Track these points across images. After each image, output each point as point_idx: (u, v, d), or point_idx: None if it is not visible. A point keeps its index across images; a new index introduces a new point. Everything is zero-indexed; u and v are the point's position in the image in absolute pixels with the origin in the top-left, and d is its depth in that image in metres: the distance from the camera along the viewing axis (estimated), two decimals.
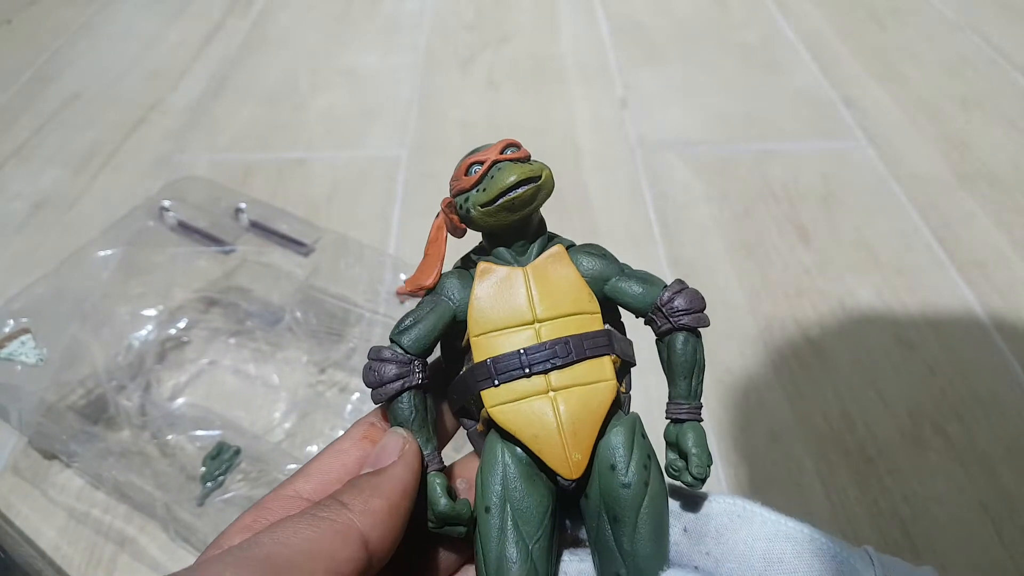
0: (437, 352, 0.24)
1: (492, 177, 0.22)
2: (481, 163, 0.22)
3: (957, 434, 0.44)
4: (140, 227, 0.52)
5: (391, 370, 0.22)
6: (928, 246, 0.57)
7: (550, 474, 0.22)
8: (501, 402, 0.22)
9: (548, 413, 0.22)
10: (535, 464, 0.22)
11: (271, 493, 0.21)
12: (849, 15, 0.87)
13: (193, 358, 0.49)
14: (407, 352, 0.22)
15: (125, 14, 0.90)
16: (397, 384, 0.22)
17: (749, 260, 0.56)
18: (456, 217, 0.23)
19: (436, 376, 0.24)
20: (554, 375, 0.22)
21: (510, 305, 0.23)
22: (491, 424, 0.22)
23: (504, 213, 0.22)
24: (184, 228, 0.53)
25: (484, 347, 0.22)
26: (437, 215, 0.24)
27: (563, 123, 0.70)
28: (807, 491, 0.42)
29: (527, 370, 0.22)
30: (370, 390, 0.22)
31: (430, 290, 0.23)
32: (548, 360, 0.22)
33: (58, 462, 0.44)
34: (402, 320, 0.23)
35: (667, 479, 0.23)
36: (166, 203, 0.53)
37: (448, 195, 0.24)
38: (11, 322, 0.45)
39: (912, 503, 0.41)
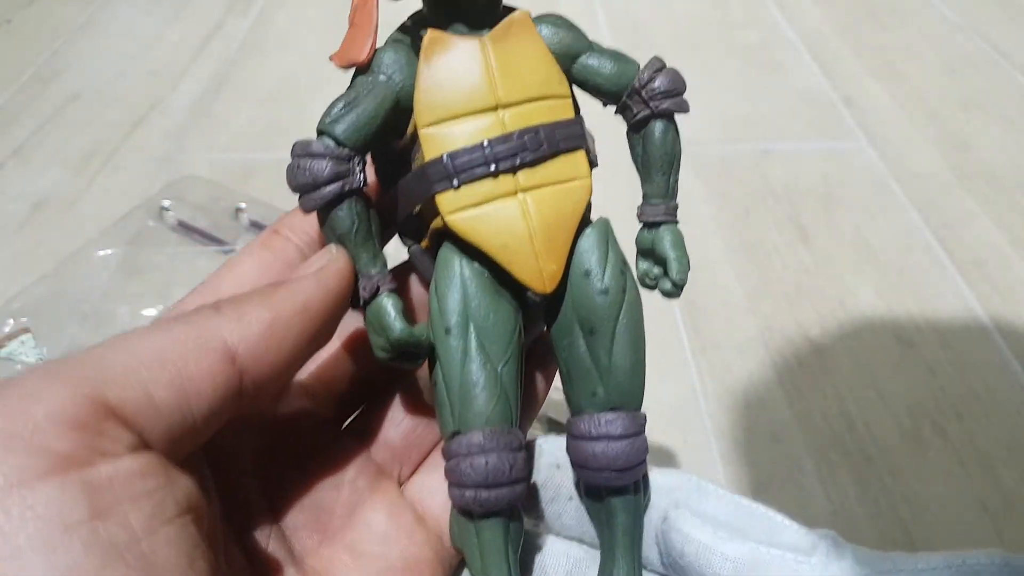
0: None
1: None
2: None
3: (957, 434, 0.44)
4: (140, 227, 0.52)
5: (326, 168, 0.17)
6: (928, 246, 0.57)
7: (516, 289, 0.19)
8: (461, 207, 0.18)
9: (518, 218, 0.18)
10: (497, 278, 0.19)
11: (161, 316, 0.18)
12: (849, 15, 0.87)
13: None
14: (343, 145, 0.18)
15: (125, 14, 0.90)
16: (335, 186, 0.18)
17: (749, 260, 0.56)
18: None
19: None
20: (522, 173, 0.18)
21: (466, 85, 0.18)
22: (444, 236, 0.19)
23: None
24: (184, 228, 0.53)
25: (437, 140, 0.18)
26: None
27: None
28: (807, 491, 0.42)
29: (493, 167, 0.18)
30: (298, 196, 0.18)
31: (362, 68, 0.19)
32: (517, 154, 0.18)
33: None
34: (332, 106, 0.18)
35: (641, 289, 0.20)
36: (166, 203, 0.53)
37: None
38: (11, 322, 0.45)
39: (912, 503, 0.41)
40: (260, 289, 0.17)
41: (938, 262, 0.56)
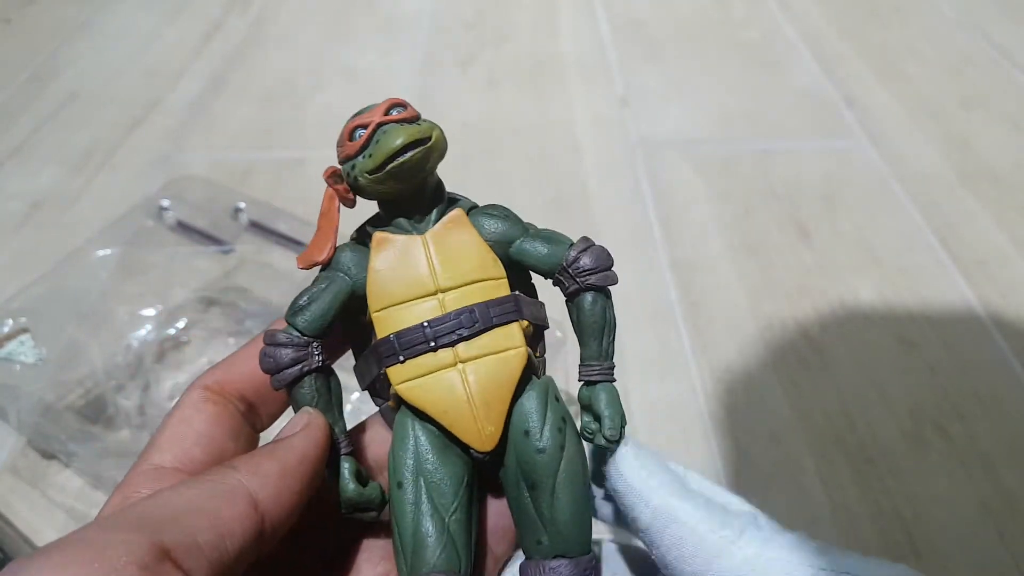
0: None
1: (378, 141, 0.21)
2: (365, 126, 0.21)
3: (958, 434, 0.44)
4: (139, 227, 0.52)
5: (287, 354, 0.21)
6: (929, 245, 0.57)
7: (464, 446, 0.21)
8: (408, 378, 0.21)
9: (457, 386, 0.21)
10: (448, 436, 0.21)
11: (131, 472, 0.20)
12: (850, 13, 0.87)
13: (192, 358, 0.49)
14: (303, 334, 0.21)
15: (124, 13, 0.90)
16: (295, 369, 0.21)
17: (750, 259, 0.56)
18: (343, 187, 0.22)
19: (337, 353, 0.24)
20: (461, 346, 0.21)
21: (410, 276, 0.21)
22: (400, 401, 0.22)
23: (393, 180, 0.21)
24: (183, 228, 0.53)
25: (386, 322, 0.21)
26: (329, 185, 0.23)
27: (563, 122, 0.70)
28: (808, 491, 0.42)
29: (432, 343, 0.21)
30: (270, 376, 0.21)
31: (324, 266, 0.22)
32: (454, 331, 0.21)
33: (57, 462, 0.44)
34: (297, 299, 0.22)
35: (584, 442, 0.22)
36: (165, 202, 0.53)
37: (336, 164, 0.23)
38: (10, 322, 0.45)
39: (913, 503, 0.41)
40: (265, 448, 0.20)
41: (939, 262, 0.55)
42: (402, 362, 0.21)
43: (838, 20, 0.85)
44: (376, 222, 0.23)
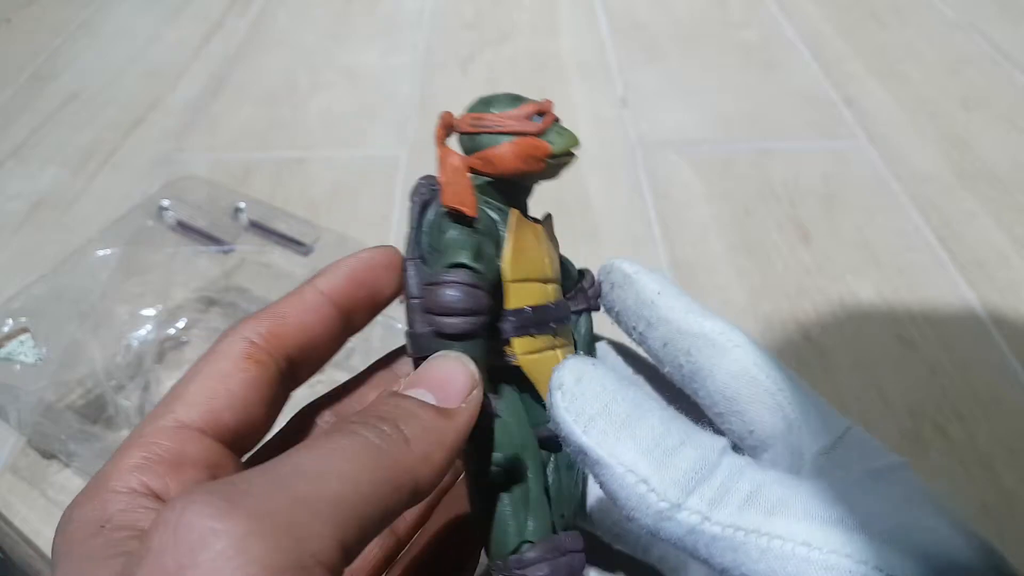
0: None
1: (559, 133, 0.23)
2: (543, 114, 0.23)
3: (958, 434, 0.44)
4: (139, 227, 0.52)
5: (485, 301, 0.19)
6: (929, 245, 0.57)
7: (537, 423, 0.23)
8: (531, 351, 0.22)
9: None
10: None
11: (148, 426, 0.18)
12: (849, 14, 0.87)
13: (192, 358, 0.48)
14: (488, 281, 0.20)
15: (124, 13, 0.90)
16: (485, 319, 0.20)
17: (749, 260, 0.56)
18: (540, 145, 0.22)
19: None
20: (560, 334, 0.23)
21: (539, 257, 0.23)
22: (503, 373, 0.21)
23: (552, 170, 0.23)
24: (183, 228, 0.53)
25: (521, 293, 0.22)
26: (444, 144, 0.22)
27: (563, 122, 0.70)
28: None
29: (553, 324, 0.23)
30: (444, 318, 0.19)
31: (467, 220, 0.21)
32: (563, 319, 0.23)
33: (57, 462, 0.44)
34: (461, 246, 0.20)
35: None
36: (165, 202, 0.53)
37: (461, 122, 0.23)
38: (10, 321, 0.45)
39: None
40: (437, 423, 0.18)
41: (939, 262, 0.55)
42: (532, 335, 0.22)
43: (837, 20, 0.85)
44: (488, 190, 0.23)
